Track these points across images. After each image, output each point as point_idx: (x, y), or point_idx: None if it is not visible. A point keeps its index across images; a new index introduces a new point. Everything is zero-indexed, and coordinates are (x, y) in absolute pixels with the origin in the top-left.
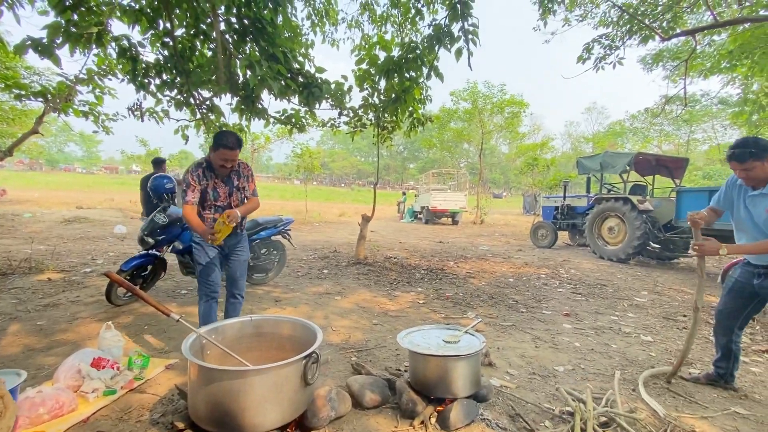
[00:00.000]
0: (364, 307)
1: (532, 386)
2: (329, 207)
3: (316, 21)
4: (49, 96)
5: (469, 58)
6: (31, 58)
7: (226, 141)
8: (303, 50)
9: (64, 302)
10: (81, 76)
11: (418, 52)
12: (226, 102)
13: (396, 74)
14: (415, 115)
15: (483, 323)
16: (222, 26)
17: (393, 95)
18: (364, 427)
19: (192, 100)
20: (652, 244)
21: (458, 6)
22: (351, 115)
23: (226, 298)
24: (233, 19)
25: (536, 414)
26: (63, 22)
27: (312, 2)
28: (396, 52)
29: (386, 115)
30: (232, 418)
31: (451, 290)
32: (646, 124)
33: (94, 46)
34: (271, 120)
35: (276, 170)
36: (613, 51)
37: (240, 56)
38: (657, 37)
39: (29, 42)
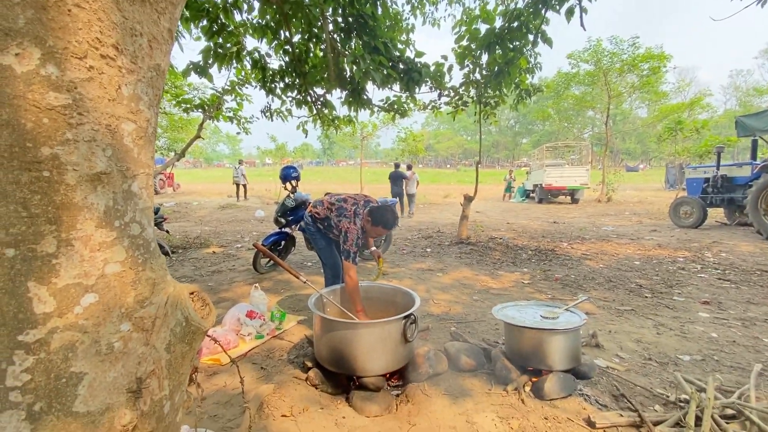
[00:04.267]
0: (465, 283)
1: (646, 371)
2: (435, 189)
3: (415, 4)
4: (205, 107)
5: (581, 17)
6: (192, 77)
7: (388, 224)
8: (404, 36)
9: (224, 269)
10: (226, 87)
11: (522, 19)
12: (336, 96)
13: (498, 46)
14: (521, 87)
15: (596, 306)
16: (330, 27)
17: (496, 68)
18: (460, 385)
19: (309, 98)
20: None
21: None
22: (451, 94)
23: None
24: (339, 19)
25: (645, 398)
26: (212, 45)
27: None
28: (498, 23)
29: (489, 90)
30: (346, 361)
31: (561, 272)
32: None
33: (234, 62)
34: (376, 109)
35: (384, 155)
36: None
37: (347, 53)
38: None
39: (191, 66)
